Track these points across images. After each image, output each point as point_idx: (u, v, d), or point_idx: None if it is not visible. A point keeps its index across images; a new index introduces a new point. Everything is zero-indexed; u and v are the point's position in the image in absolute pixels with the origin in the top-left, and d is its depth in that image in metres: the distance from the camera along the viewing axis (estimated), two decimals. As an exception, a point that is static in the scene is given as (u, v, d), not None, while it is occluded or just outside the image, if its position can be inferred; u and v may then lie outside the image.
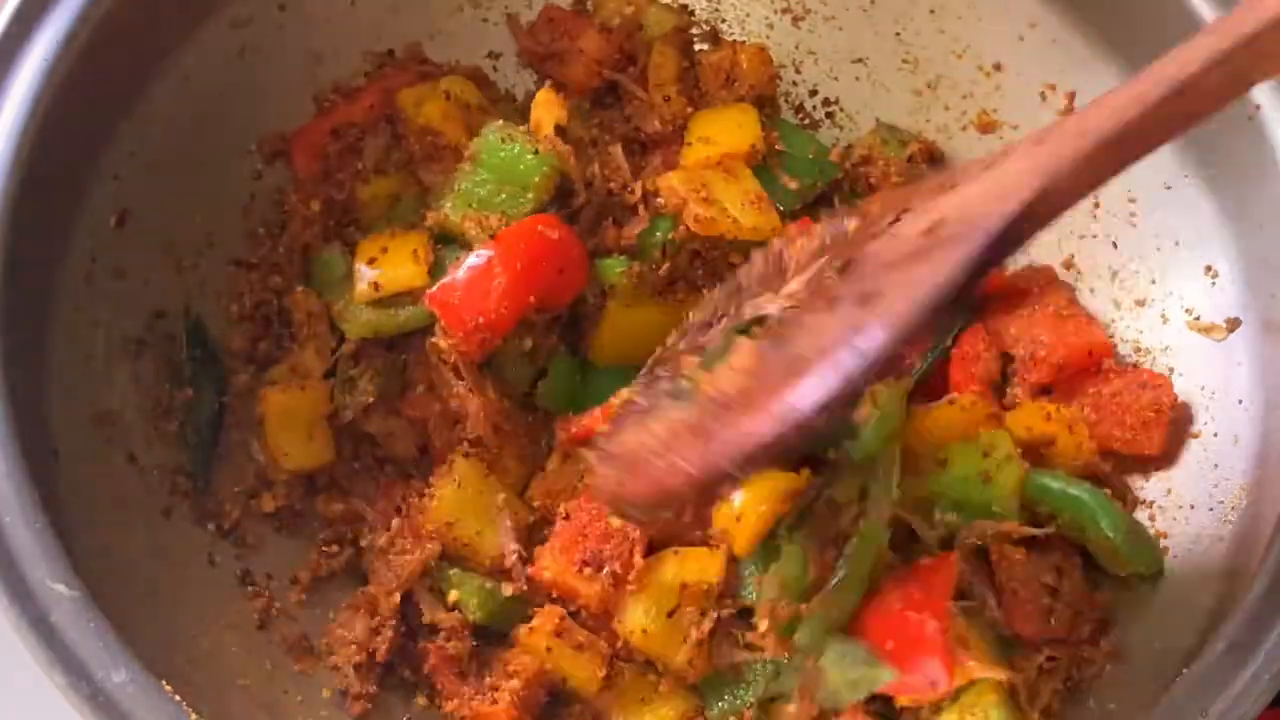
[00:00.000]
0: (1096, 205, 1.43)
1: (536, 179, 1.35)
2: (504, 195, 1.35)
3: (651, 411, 1.14)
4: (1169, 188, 1.36)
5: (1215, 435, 1.29)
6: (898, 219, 1.04)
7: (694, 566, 1.26)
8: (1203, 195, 1.32)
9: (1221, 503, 1.24)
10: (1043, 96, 1.45)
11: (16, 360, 1.14)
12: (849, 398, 1.00)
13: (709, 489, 1.07)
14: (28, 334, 1.18)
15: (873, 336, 0.96)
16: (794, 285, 1.09)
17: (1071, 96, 1.43)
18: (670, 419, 1.08)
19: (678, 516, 1.21)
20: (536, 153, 1.35)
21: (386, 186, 1.45)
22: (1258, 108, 1.24)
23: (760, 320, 1.10)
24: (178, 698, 1.05)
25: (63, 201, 1.24)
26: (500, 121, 1.38)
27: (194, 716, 1.04)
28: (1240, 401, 1.27)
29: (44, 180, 1.18)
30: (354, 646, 1.29)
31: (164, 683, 1.05)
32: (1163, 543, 1.28)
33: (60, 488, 1.14)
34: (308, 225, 1.44)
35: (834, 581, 1.18)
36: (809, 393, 0.98)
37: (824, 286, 1.05)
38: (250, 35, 1.41)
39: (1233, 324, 1.30)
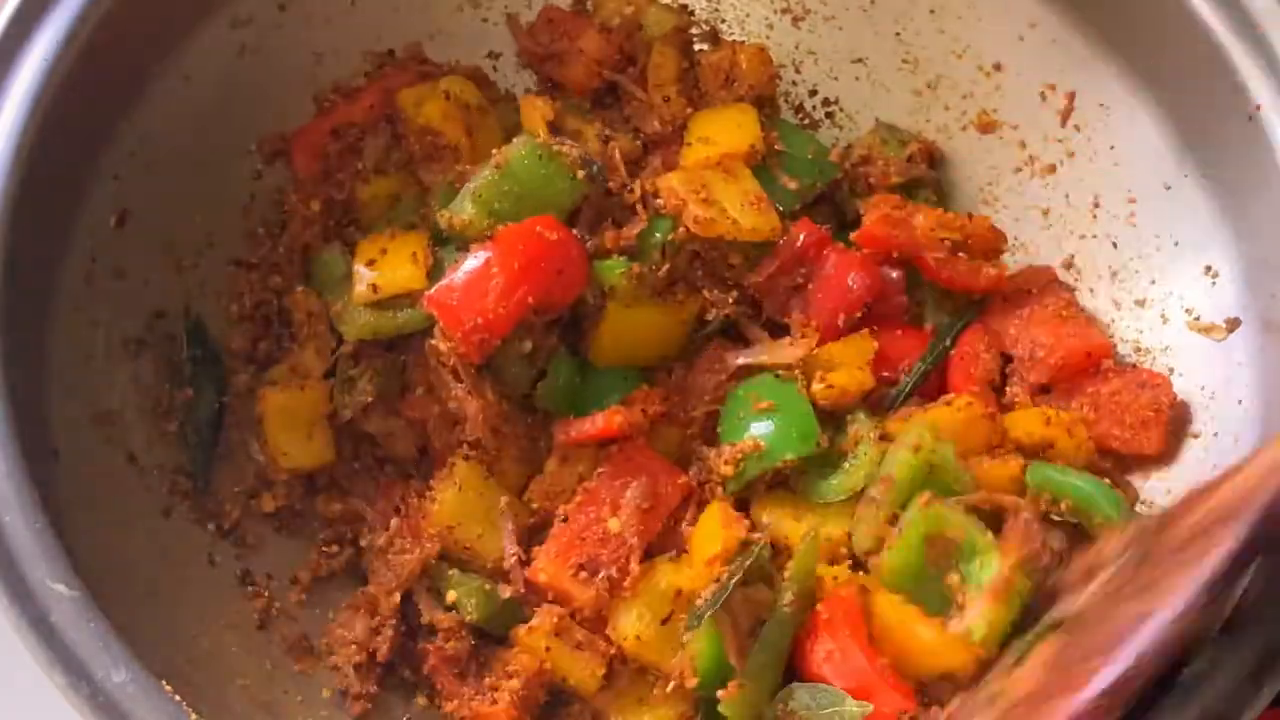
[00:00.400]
0: (1096, 205, 1.43)
1: (567, 203, 1.35)
2: (527, 209, 1.33)
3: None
4: (1169, 188, 1.36)
5: (1215, 435, 1.29)
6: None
7: (689, 574, 1.26)
8: (1203, 195, 1.32)
9: (1221, 503, 1.24)
10: (1043, 96, 1.46)
11: (16, 360, 1.14)
12: (1136, 679, 0.98)
13: None
14: (28, 334, 1.18)
15: (1159, 621, 0.96)
16: (1097, 583, 1.10)
17: (1071, 97, 1.43)
18: None
19: None
20: (574, 178, 1.34)
21: (386, 186, 1.45)
22: (1258, 108, 1.23)
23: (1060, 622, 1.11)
24: (178, 698, 1.05)
25: (63, 201, 1.24)
26: (540, 138, 1.36)
27: (194, 716, 1.04)
28: (1240, 401, 1.27)
29: (44, 180, 1.18)
30: (354, 646, 1.29)
31: (164, 682, 1.05)
32: (1163, 543, 1.28)
33: (60, 488, 1.14)
34: (308, 225, 1.44)
35: (751, 664, 1.19)
36: (1098, 683, 0.97)
37: (1120, 583, 1.07)
38: (250, 35, 1.41)
39: (1232, 324, 1.30)
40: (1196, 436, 1.31)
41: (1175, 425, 1.33)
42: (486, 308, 1.27)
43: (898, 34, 1.52)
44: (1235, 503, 0.98)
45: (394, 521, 1.35)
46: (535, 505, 1.34)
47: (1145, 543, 1.08)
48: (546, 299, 1.31)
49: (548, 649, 1.26)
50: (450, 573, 1.32)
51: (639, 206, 1.40)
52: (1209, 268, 1.32)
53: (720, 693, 1.17)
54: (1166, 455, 1.33)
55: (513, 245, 1.29)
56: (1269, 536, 0.95)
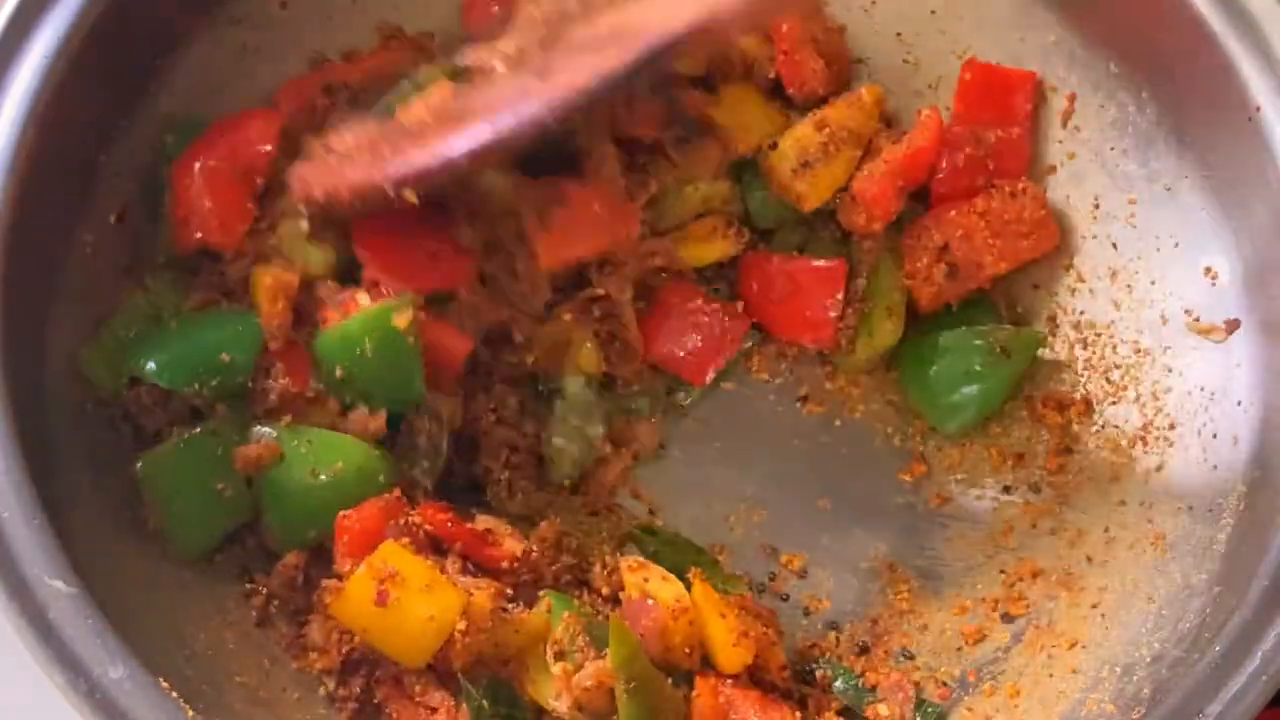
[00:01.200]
0: (1096, 205, 1.43)
1: None
2: None
3: (355, 120, 1.28)
4: (1169, 189, 1.36)
5: (1215, 436, 1.29)
6: (607, 9, 1.21)
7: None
8: (1203, 196, 1.32)
9: (1220, 504, 1.24)
10: (1044, 97, 1.45)
11: (17, 357, 1.14)
12: (496, 150, 1.17)
13: (366, 198, 1.21)
14: (28, 332, 1.18)
15: (531, 105, 1.14)
16: (507, 44, 1.23)
17: (1072, 98, 1.43)
18: (361, 131, 1.24)
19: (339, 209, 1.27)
20: None
21: None
22: (1258, 109, 1.23)
23: (467, 70, 1.25)
24: (175, 695, 1.05)
25: (63, 199, 1.25)
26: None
27: (191, 713, 1.05)
28: (1240, 402, 1.27)
29: (44, 178, 1.18)
30: (318, 653, 1.28)
31: (161, 680, 1.05)
32: (1161, 543, 1.28)
33: (59, 485, 1.15)
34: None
35: None
36: (463, 142, 1.16)
37: (526, 54, 1.22)
38: (251, 33, 1.41)
39: (1232, 325, 1.29)
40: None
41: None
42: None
43: (899, 34, 1.52)
44: (638, 31, 1.13)
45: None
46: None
47: (555, 27, 1.22)
48: None
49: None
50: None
51: None
52: (1209, 268, 1.32)
53: None
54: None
55: None
56: (653, 65, 1.13)
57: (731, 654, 1.21)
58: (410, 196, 1.16)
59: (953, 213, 1.43)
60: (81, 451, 1.22)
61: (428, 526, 1.24)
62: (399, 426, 1.31)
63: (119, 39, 1.25)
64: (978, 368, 1.42)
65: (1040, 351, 1.45)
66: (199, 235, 1.32)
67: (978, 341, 1.41)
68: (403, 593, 1.17)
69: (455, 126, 1.19)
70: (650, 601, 1.21)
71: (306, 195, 1.27)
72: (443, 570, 1.21)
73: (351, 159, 1.23)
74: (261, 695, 1.22)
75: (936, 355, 1.43)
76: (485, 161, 1.20)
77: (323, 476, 1.25)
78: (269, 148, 1.34)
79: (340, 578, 1.20)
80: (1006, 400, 1.44)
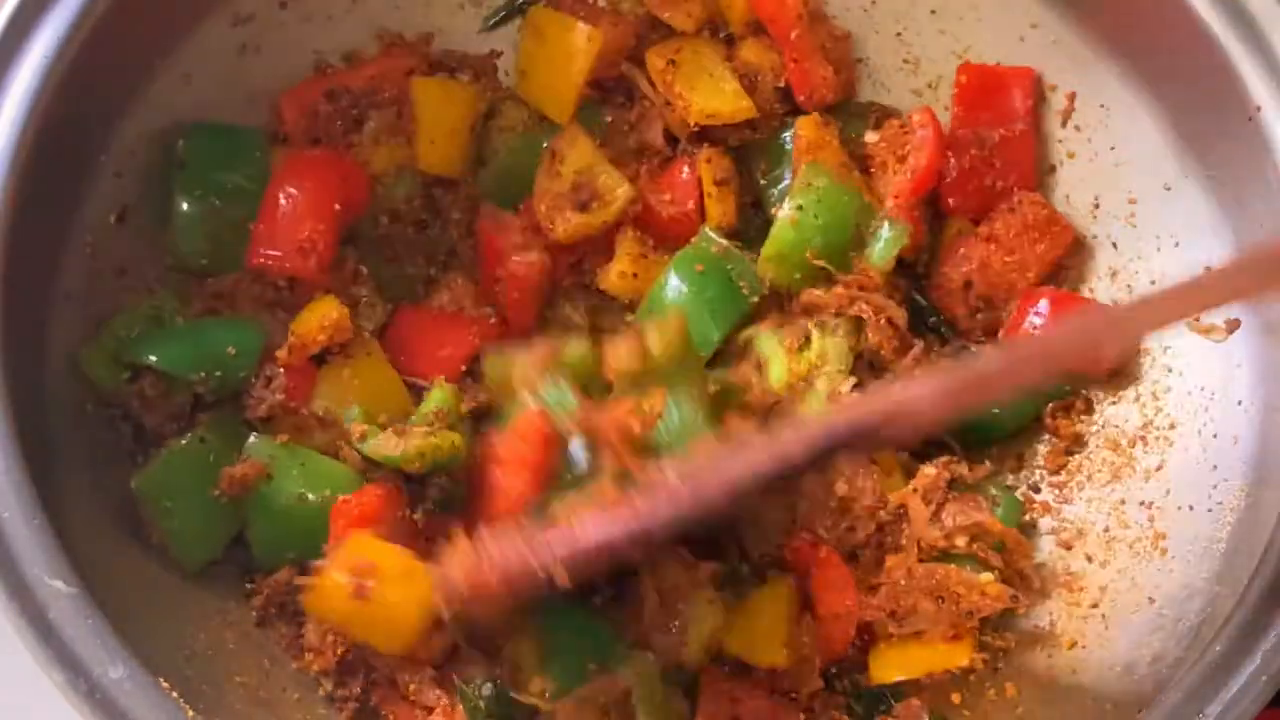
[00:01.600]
0: (1096, 205, 1.43)
1: None
2: None
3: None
4: (1169, 188, 1.36)
5: (1215, 436, 1.29)
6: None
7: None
8: (1203, 195, 1.32)
9: (1220, 504, 1.23)
10: (1044, 97, 1.45)
11: (17, 357, 1.14)
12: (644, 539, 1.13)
13: (517, 586, 1.14)
14: (28, 331, 1.18)
15: (675, 501, 1.12)
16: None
17: (1072, 97, 1.43)
18: (520, 535, 1.15)
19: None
20: None
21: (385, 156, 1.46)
22: (1258, 109, 1.23)
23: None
24: (175, 695, 1.05)
25: (63, 199, 1.25)
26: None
27: (191, 713, 1.05)
28: (1240, 402, 1.27)
29: (44, 178, 1.18)
30: (314, 654, 1.28)
31: (161, 680, 1.05)
32: (1161, 543, 1.28)
33: (59, 485, 1.15)
34: None
35: None
36: (617, 527, 1.12)
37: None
38: (251, 33, 1.41)
39: (1232, 325, 1.29)
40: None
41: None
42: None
43: (899, 34, 1.52)
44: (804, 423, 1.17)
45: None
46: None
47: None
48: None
49: None
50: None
51: None
52: (1209, 269, 1.32)
53: None
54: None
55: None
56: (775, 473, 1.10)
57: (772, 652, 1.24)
58: (563, 576, 1.10)
59: (961, 250, 1.44)
60: (81, 451, 1.23)
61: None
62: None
63: (119, 39, 1.25)
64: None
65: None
66: (277, 254, 1.33)
67: None
68: (380, 583, 1.16)
69: (608, 513, 1.14)
70: None
71: (450, 593, 1.16)
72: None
73: (508, 557, 1.14)
74: (261, 695, 1.22)
75: None
76: (638, 544, 1.14)
77: (311, 499, 1.25)
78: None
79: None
80: (1017, 432, 1.44)
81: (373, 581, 1.16)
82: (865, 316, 1.36)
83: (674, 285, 1.41)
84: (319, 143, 1.44)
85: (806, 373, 1.37)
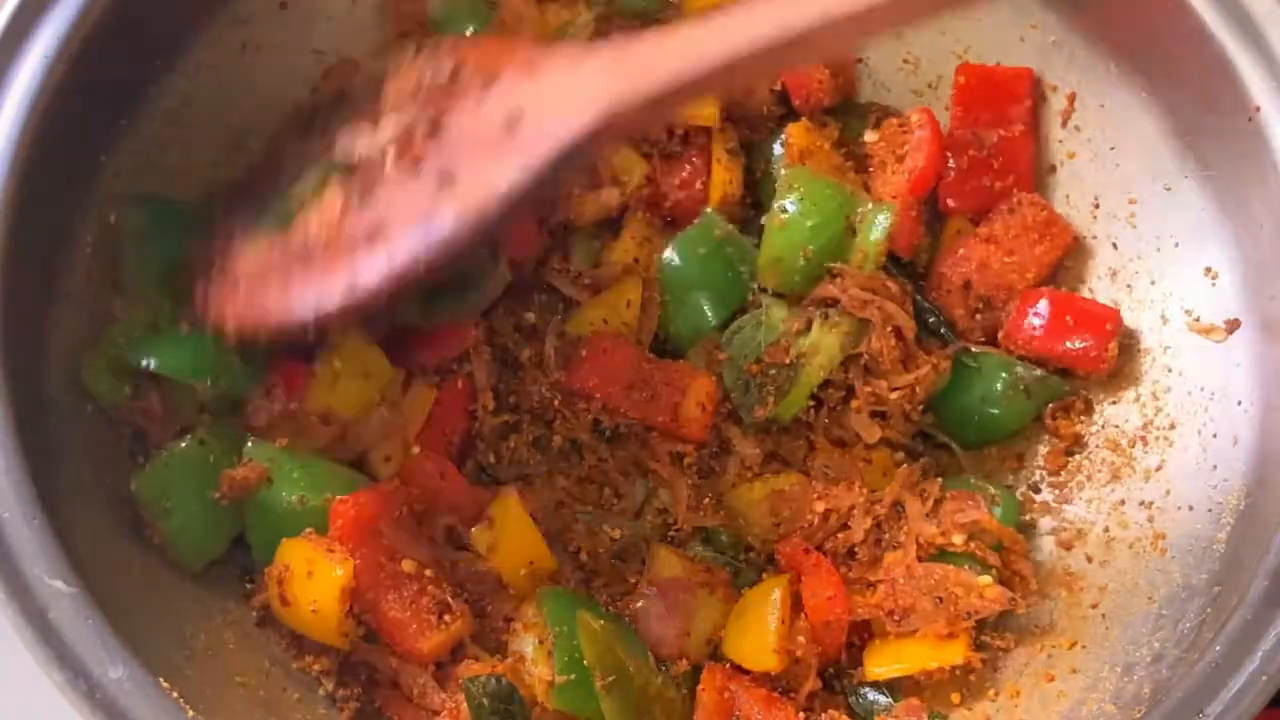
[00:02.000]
0: (1096, 206, 1.43)
1: None
2: None
3: (251, 231, 1.16)
4: (1169, 189, 1.36)
5: (1215, 436, 1.29)
6: (488, 87, 1.08)
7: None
8: (1202, 196, 1.32)
9: (1220, 504, 1.23)
10: (1044, 97, 1.45)
11: (16, 356, 1.14)
12: (412, 277, 1.05)
13: (282, 335, 1.11)
14: (28, 330, 1.18)
15: (442, 227, 1.03)
16: (388, 130, 1.11)
17: (1072, 98, 1.43)
18: (260, 250, 1.11)
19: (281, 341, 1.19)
20: None
21: None
22: (1257, 109, 1.23)
23: (351, 166, 1.13)
24: (175, 694, 1.05)
25: (63, 198, 1.24)
26: None
27: (191, 713, 1.05)
28: (1240, 403, 1.27)
29: (44, 178, 1.18)
30: (313, 656, 1.28)
31: (161, 679, 1.05)
32: (1161, 543, 1.28)
33: (59, 484, 1.14)
34: None
35: None
36: (375, 269, 1.04)
37: (413, 144, 1.09)
38: (251, 33, 1.41)
39: (1232, 325, 1.29)
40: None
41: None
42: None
43: (899, 34, 1.52)
44: (536, 132, 1.01)
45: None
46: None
47: (438, 101, 1.09)
48: None
49: None
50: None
51: None
52: (1209, 269, 1.32)
53: None
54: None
55: None
56: (564, 170, 1.01)
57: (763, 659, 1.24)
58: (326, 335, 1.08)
59: (961, 250, 1.44)
60: (81, 451, 1.22)
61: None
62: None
63: (119, 39, 1.25)
64: (998, 398, 1.41)
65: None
66: None
67: (1005, 374, 1.41)
68: (290, 585, 1.19)
69: (362, 250, 1.07)
70: None
71: (218, 323, 1.17)
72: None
73: (257, 283, 1.11)
74: (261, 695, 1.22)
75: (964, 372, 1.42)
76: (399, 292, 1.08)
77: (311, 502, 1.25)
78: None
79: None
80: (1016, 433, 1.44)
81: (288, 588, 1.20)
82: (873, 320, 1.36)
83: (673, 262, 1.43)
84: None
85: (795, 359, 1.37)
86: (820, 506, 1.34)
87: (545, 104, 1.04)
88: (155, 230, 1.30)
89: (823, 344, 1.37)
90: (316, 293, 1.08)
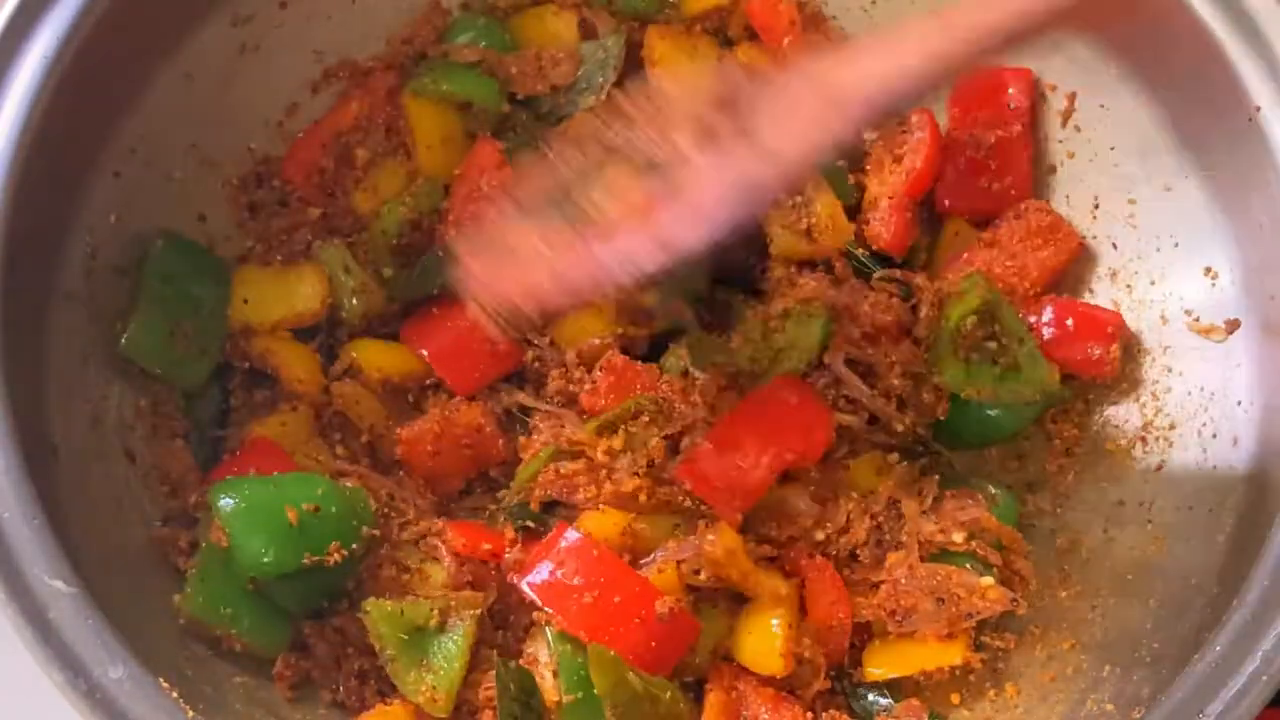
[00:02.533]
0: (1096, 206, 1.43)
1: None
2: None
3: (530, 214, 1.12)
4: (1169, 189, 1.36)
5: (1215, 436, 1.29)
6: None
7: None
8: (1203, 196, 1.32)
9: (1220, 503, 1.23)
10: (1043, 97, 1.45)
11: (16, 357, 1.14)
12: (733, 231, 1.01)
13: (571, 302, 1.10)
14: (27, 331, 1.18)
15: (761, 174, 1.00)
16: (683, 139, 1.07)
17: (1072, 97, 1.43)
18: (550, 228, 1.08)
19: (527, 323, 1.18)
20: None
21: (384, 183, 1.46)
22: (1258, 109, 1.23)
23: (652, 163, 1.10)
24: (175, 694, 1.05)
25: (63, 199, 1.25)
26: None
27: (191, 713, 1.05)
28: (1240, 403, 1.27)
29: (44, 178, 1.18)
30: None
31: (161, 680, 1.05)
32: (1161, 544, 1.28)
33: (59, 484, 1.15)
34: (308, 227, 1.44)
35: None
36: (695, 227, 1.00)
37: (708, 126, 1.06)
38: (251, 33, 1.41)
39: (1232, 325, 1.29)
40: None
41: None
42: None
43: (898, 34, 1.52)
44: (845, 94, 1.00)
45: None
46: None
47: (740, 100, 1.06)
48: None
49: None
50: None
51: None
52: (1209, 269, 1.32)
53: None
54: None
55: None
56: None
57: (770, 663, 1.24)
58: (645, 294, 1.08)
59: (965, 254, 1.44)
60: (82, 449, 1.22)
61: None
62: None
63: (119, 39, 1.25)
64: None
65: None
66: None
67: None
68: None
69: (675, 214, 1.02)
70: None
71: (496, 298, 1.09)
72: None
73: (547, 257, 1.05)
74: (261, 695, 1.22)
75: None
76: (716, 244, 1.02)
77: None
78: None
79: None
80: (1017, 434, 1.43)
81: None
82: (839, 312, 1.36)
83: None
84: (332, 196, 1.46)
85: (775, 355, 1.36)
86: (808, 523, 1.32)
87: (851, 78, 1.03)
88: (181, 271, 1.33)
89: (797, 341, 1.36)
90: (623, 260, 1.03)
